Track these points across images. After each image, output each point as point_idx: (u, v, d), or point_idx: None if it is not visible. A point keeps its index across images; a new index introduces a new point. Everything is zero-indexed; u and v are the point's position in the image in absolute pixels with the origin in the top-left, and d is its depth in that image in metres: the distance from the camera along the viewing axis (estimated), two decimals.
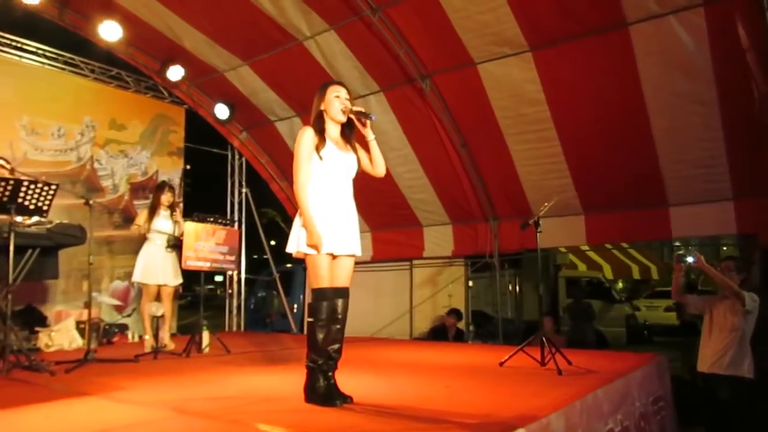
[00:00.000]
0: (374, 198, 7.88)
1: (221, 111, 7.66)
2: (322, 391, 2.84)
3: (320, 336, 2.85)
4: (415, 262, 8.24)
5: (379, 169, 3.18)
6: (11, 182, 3.99)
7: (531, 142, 6.39)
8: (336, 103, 3.01)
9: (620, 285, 19.88)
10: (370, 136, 3.07)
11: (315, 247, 2.83)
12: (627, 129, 5.80)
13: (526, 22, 5.48)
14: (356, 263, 8.60)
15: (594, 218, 6.70)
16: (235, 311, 8.54)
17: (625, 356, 5.05)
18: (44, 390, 3.39)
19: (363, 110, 3.03)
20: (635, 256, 15.02)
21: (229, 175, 8.70)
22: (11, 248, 3.91)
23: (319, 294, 2.87)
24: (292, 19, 6.12)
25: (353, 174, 3.10)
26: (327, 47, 6.42)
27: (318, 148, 2.94)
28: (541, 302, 5.23)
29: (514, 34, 5.58)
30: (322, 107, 3.04)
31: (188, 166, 7.80)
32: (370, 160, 3.14)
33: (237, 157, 8.75)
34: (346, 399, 2.86)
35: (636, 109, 5.59)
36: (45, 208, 4.21)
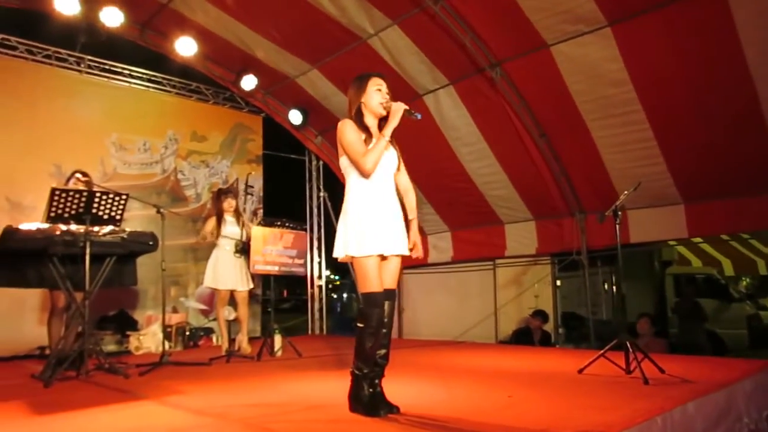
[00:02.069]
0: (452, 197, 7.63)
1: (295, 117, 7.76)
2: (366, 401, 2.68)
3: (368, 344, 2.69)
4: (498, 261, 7.84)
5: (410, 203, 3.02)
6: (85, 194, 4.21)
7: (616, 127, 5.82)
8: (377, 96, 2.86)
9: (744, 282, 17.94)
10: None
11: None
12: (729, 104, 5.10)
13: None
14: (438, 264, 8.38)
15: (695, 208, 5.99)
16: (317, 315, 8.60)
17: (734, 363, 4.40)
18: (110, 393, 3.51)
19: (409, 108, 2.81)
20: (760, 249, 13.40)
21: (306, 180, 8.81)
22: (87, 257, 4.11)
23: (370, 299, 2.71)
24: (354, 17, 6.03)
25: (394, 170, 2.93)
26: (391, 43, 6.26)
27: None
28: (623, 302, 4.69)
29: (589, 9, 5.09)
30: (363, 99, 2.88)
31: (252, 173, 7.88)
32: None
33: (314, 161, 8.85)
34: (391, 408, 2.68)
35: (739, 81, 4.89)
36: (118, 217, 4.40)
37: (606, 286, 10.01)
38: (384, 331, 2.77)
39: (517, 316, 7.54)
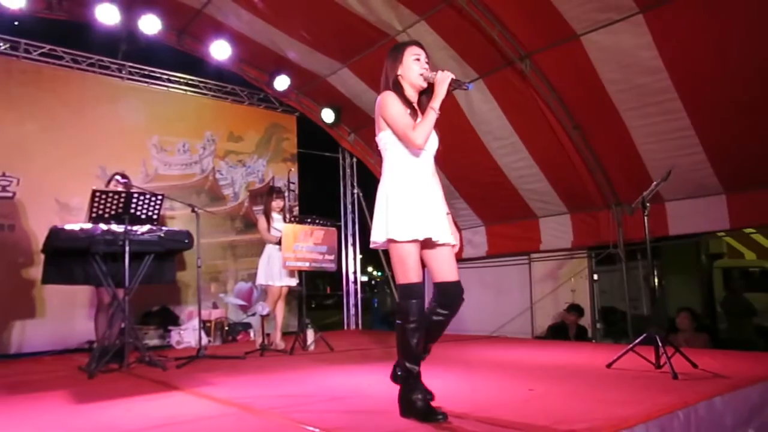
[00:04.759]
0: (485, 191, 7.59)
1: (327, 115, 7.90)
2: (421, 406, 2.41)
3: (414, 340, 2.44)
4: (534, 255, 7.76)
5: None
6: (123, 195, 4.42)
7: (652, 116, 5.66)
8: (415, 66, 2.58)
9: None
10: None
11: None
12: None
13: None
14: (473, 259, 8.35)
15: (738, 197, 5.78)
16: (352, 310, 8.71)
17: None
18: (147, 384, 3.68)
19: (455, 77, 2.53)
20: None
21: (341, 177, 8.94)
22: (126, 255, 4.31)
23: (408, 290, 2.45)
24: (381, 15, 6.08)
25: (436, 150, 2.66)
26: (420, 39, 6.13)
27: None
28: (654, 295, 4.57)
29: None
30: (400, 71, 2.61)
31: (292, 170, 8.02)
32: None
33: (348, 158, 8.96)
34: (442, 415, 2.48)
35: None
36: (155, 216, 4.60)
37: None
38: (441, 326, 2.58)
39: (553, 311, 7.44)
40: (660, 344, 3.57)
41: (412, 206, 2.47)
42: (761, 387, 3.15)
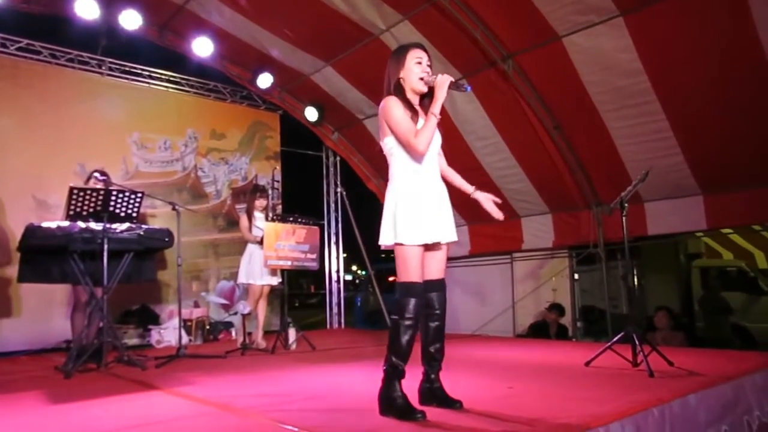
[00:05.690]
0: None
1: (311, 113, 7.87)
2: (401, 404, 2.46)
3: (405, 337, 2.49)
4: (516, 255, 7.82)
5: (460, 178, 2.99)
6: (102, 192, 4.36)
7: (631, 118, 5.74)
8: (416, 69, 2.63)
9: None
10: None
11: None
12: (747, 91, 4.98)
13: None
14: (456, 258, 8.34)
15: (714, 198, 5.87)
16: (335, 309, 8.70)
17: (752, 356, 4.30)
18: (126, 384, 3.65)
19: (453, 79, 2.57)
20: None
21: (324, 176, 8.92)
22: (105, 253, 4.26)
23: (408, 288, 2.52)
24: (365, 14, 6.07)
25: (438, 146, 2.75)
26: (403, 38, 6.24)
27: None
28: (632, 295, 4.64)
29: None
30: (402, 74, 2.66)
31: (277, 168, 8.00)
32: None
33: (331, 157, 8.94)
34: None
35: (756, 66, 4.77)
36: (134, 214, 4.55)
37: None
38: (437, 324, 2.66)
39: (535, 310, 7.51)
40: (637, 342, 3.62)
41: (420, 211, 2.54)
42: (734, 385, 3.22)
